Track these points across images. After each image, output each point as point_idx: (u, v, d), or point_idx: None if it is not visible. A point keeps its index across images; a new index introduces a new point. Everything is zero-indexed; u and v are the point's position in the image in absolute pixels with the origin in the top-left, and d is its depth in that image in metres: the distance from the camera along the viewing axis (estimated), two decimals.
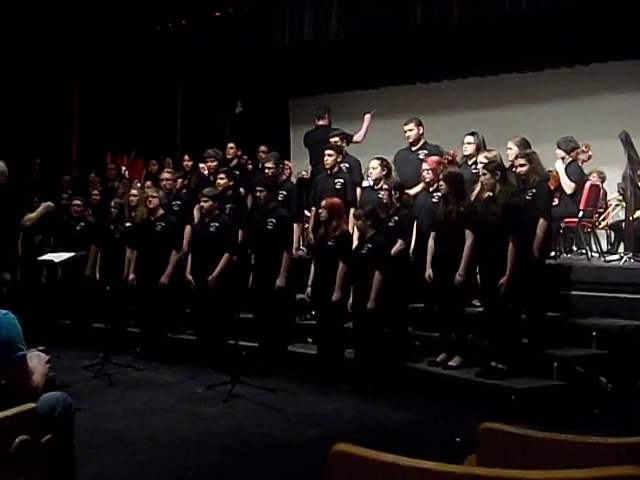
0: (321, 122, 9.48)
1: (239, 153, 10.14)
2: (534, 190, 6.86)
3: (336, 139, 8.69)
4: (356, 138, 9.37)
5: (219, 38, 12.05)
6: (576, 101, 11.15)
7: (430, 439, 5.52)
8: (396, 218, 7.39)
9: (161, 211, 8.51)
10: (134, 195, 9.12)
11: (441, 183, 6.98)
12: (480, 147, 7.89)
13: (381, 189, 7.62)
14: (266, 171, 8.57)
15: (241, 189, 9.28)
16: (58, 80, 12.53)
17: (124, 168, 11.89)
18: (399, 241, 7.31)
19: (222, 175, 8.69)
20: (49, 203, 7.95)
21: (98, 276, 8.99)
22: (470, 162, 7.95)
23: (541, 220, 6.78)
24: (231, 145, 9.99)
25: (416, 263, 7.36)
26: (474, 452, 2.31)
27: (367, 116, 9.58)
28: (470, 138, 8.00)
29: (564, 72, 11.24)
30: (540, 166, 7.03)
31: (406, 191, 7.65)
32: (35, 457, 2.78)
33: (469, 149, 8.00)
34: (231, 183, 8.72)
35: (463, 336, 7.07)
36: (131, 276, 8.59)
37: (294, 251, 8.35)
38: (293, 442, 5.45)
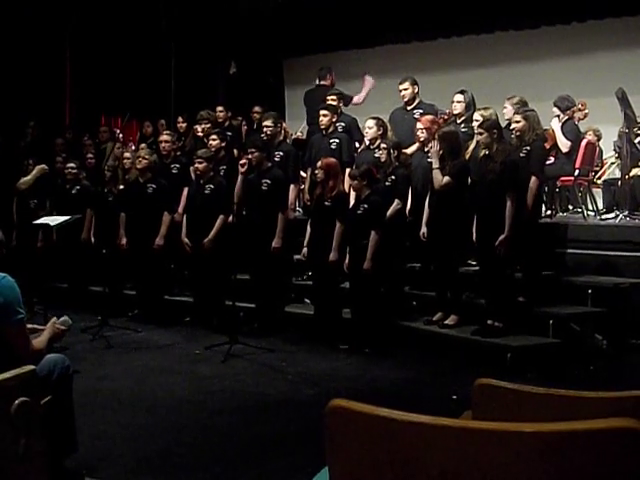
0: (322, 82, 9.40)
1: (229, 115, 10.04)
2: (528, 148, 6.84)
3: (333, 97, 8.64)
4: (356, 100, 9.30)
5: None
6: (572, 59, 11.05)
7: (427, 397, 5.56)
8: (393, 177, 7.38)
9: (149, 174, 8.45)
10: (127, 158, 9.05)
11: (435, 142, 6.93)
12: (470, 105, 7.85)
13: (377, 148, 7.59)
14: (264, 129, 8.45)
15: (234, 150, 9.23)
16: (50, 43, 12.38)
17: (118, 130, 11.81)
18: (395, 201, 7.31)
19: (214, 136, 8.61)
20: (43, 166, 7.91)
21: (93, 239, 8.99)
22: (460, 121, 7.91)
23: (533, 178, 6.79)
24: (220, 108, 9.85)
25: (412, 223, 7.37)
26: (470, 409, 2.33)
27: (367, 77, 9.49)
28: (459, 97, 7.94)
29: (560, 29, 11.13)
30: (538, 124, 7.00)
31: (403, 150, 7.63)
32: (35, 418, 2.79)
33: (458, 108, 7.94)
34: (223, 144, 8.66)
35: (459, 295, 7.10)
36: (123, 240, 8.57)
37: (291, 212, 8.33)
38: (291, 401, 5.49)
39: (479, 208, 6.68)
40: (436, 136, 6.99)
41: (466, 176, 6.84)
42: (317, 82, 9.49)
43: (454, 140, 6.92)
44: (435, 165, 6.82)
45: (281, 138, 8.89)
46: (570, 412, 2.02)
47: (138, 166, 8.42)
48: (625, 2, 10.08)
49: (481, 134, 6.68)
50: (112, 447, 4.42)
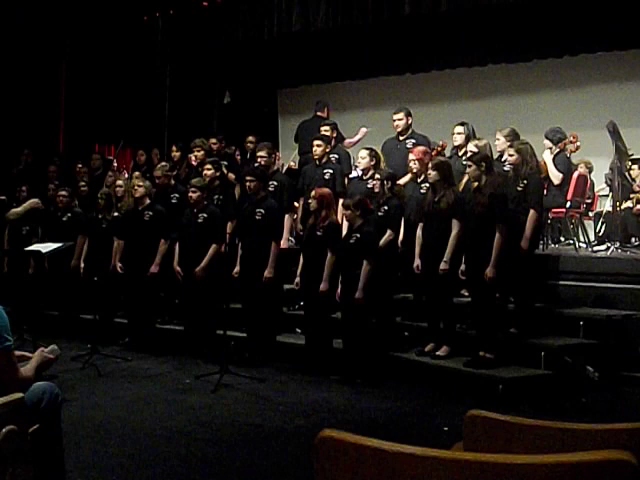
0: (319, 114, 9.49)
1: (223, 145, 10.03)
2: (525, 181, 6.85)
3: (326, 128, 8.69)
4: (346, 143, 9.48)
5: (207, 29, 12.02)
6: (564, 91, 11.16)
7: (418, 428, 5.53)
8: (385, 208, 7.38)
9: (148, 200, 8.46)
10: (120, 186, 9.05)
11: (429, 172, 6.97)
12: (470, 137, 7.88)
13: (370, 178, 7.61)
14: (259, 160, 8.44)
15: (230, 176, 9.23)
16: (46, 71, 12.47)
17: (112, 157, 11.83)
18: (388, 231, 7.31)
19: (209, 166, 8.59)
20: (35, 200, 7.90)
21: (83, 266, 8.93)
22: (460, 153, 7.95)
23: (532, 211, 6.78)
24: (213, 141, 9.70)
25: (405, 253, 7.37)
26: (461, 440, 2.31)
27: (363, 129, 9.61)
28: (460, 128, 7.99)
29: (552, 62, 11.24)
30: (532, 157, 7.02)
31: (397, 182, 7.66)
32: (22, 447, 2.77)
33: (459, 139, 7.98)
34: (218, 174, 8.66)
35: (451, 326, 7.08)
36: (118, 265, 8.54)
37: (284, 242, 8.32)
38: (282, 432, 5.45)
39: (469, 240, 6.68)
40: (429, 165, 7.03)
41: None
42: (314, 113, 9.58)
43: (447, 169, 6.95)
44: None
45: (275, 168, 8.91)
46: (562, 444, 2.01)
47: (135, 195, 8.42)
48: (616, 37, 10.21)
49: (469, 166, 6.70)
50: (101, 477, 4.37)
